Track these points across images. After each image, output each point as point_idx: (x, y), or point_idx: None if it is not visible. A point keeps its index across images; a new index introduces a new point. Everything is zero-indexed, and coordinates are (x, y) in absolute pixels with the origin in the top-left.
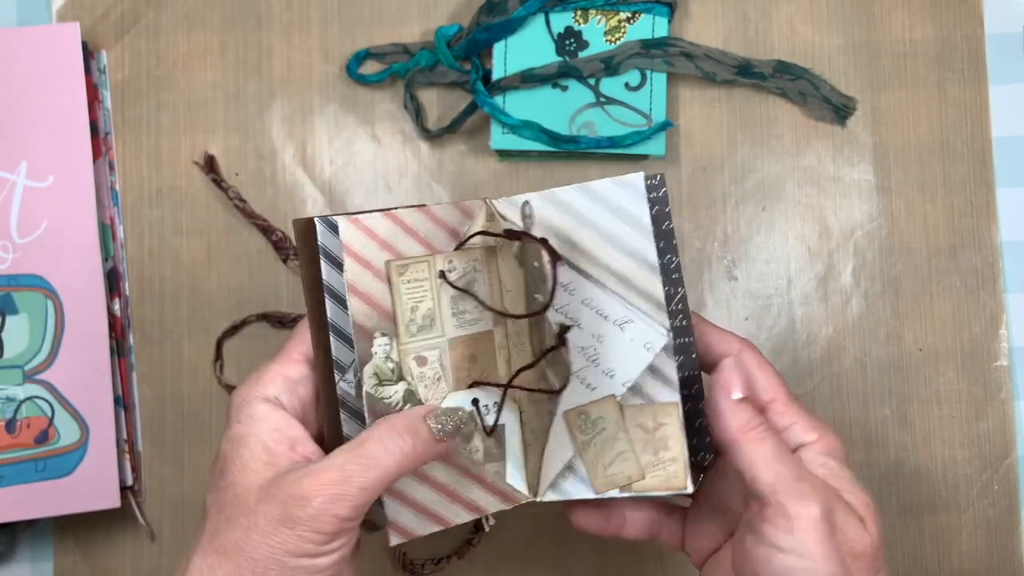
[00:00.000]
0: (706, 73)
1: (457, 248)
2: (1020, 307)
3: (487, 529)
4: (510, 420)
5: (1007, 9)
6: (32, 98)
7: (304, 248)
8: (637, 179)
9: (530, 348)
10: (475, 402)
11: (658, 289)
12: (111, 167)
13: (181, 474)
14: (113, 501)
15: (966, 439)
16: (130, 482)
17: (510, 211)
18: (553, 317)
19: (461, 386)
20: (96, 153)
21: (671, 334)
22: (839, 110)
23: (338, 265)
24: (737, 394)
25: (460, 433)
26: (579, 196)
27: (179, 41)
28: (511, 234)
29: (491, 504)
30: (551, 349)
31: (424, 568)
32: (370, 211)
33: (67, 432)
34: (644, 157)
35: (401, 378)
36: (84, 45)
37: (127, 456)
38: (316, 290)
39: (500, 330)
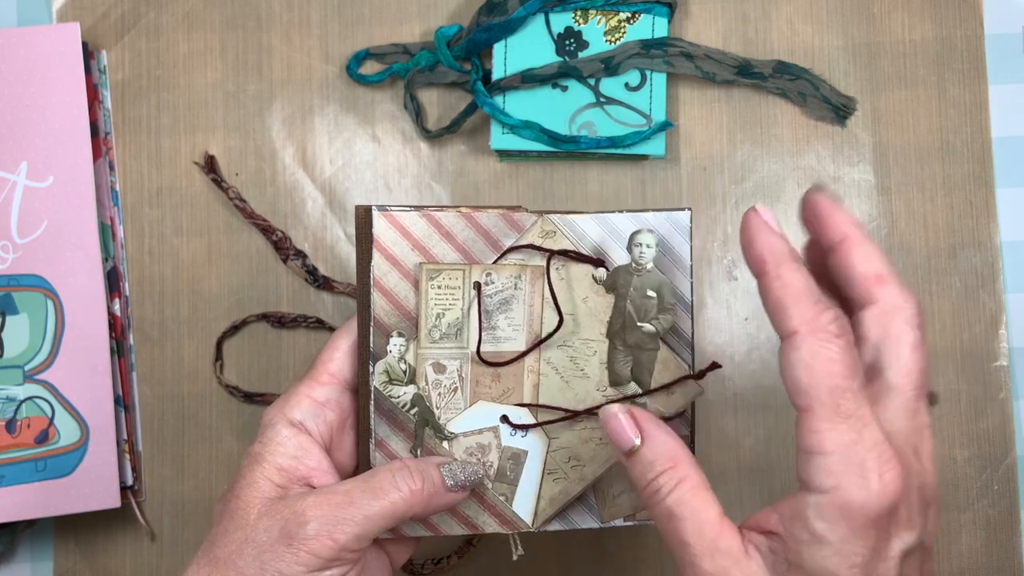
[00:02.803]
0: (706, 73)
1: (497, 260)
2: (1020, 307)
3: (515, 557)
4: (536, 448)
5: (1007, 9)
6: (32, 98)
7: (360, 235)
8: (684, 216)
9: (600, 374)
10: (504, 418)
11: (687, 326)
12: (111, 167)
13: (181, 474)
14: (113, 501)
15: (966, 439)
16: (130, 482)
17: (589, 228)
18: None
19: (479, 400)
20: (96, 153)
21: (690, 369)
22: (839, 110)
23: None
24: (627, 448)
25: (473, 485)
26: (628, 223)
27: (179, 41)
28: (579, 257)
29: (488, 524)
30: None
31: (424, 568)
32: (416, 207)
33: (67, 432)
34: (644, 157)
35: (412, 381)
36: (84, 45)
37: (127, 456)
38: (365, 278)
39: (533, 353)
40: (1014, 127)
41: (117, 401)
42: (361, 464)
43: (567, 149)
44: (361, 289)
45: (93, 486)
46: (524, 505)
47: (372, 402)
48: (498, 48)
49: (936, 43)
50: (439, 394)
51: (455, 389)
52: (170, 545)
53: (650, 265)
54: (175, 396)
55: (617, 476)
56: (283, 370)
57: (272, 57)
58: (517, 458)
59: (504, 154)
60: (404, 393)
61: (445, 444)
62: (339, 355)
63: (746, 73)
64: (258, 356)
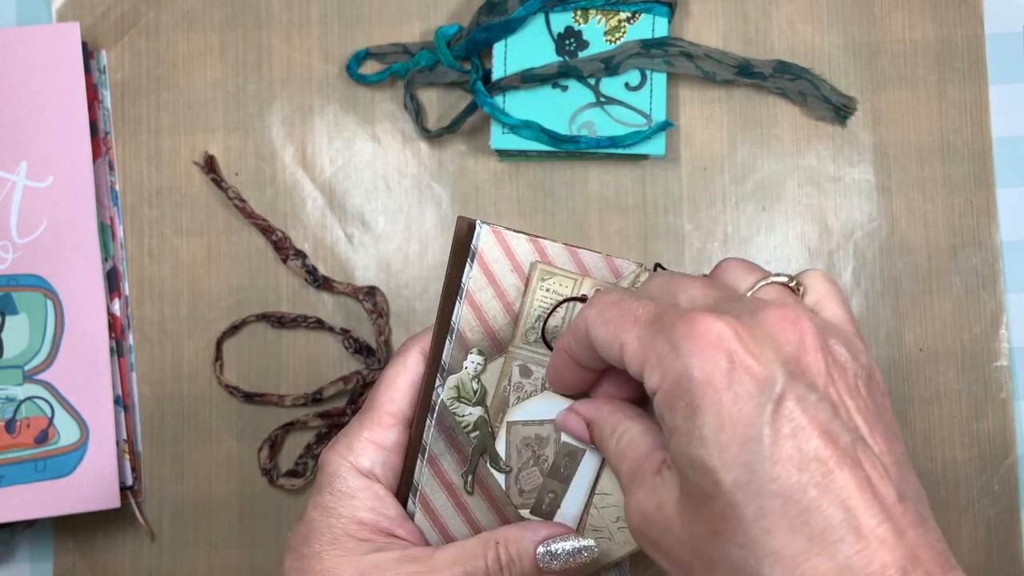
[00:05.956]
0: (706, 73)
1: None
2: (1020, 307)
3: None
4: (590, 463)
5: (1007, 9)
6: (32, 98)
7: (458, 248)
8: None
9: None
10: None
11: None
12: (111, 167)
13: (181, 474)
14: (113, 501)
15: (966, 439)
16: (130, 482)
17: None
18: None
19: (546, 391)
20: (96, 153)
21: None
22: (839, 110)
23: None
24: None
25: (572, 564)
26: None
27: (179, 40)
28: None
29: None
30: None
31: None
32: (522, 231)
33: (67, 432)
34: (644, 157)
35: (481, 403)
36: (84, 45)
37: (127, 456)
38: (452, 289)
39: None
40: (1014, 127)
41: (117, 401)
42: (405, 478)
43: (567, 149)
44: (445, 301)
45: (93, 486)
46: (570, 512)
47: (434, 416)
48: (498, 48)
49: (937, 43)
50: (518, 397)
51: (532, 396)
52: (170, 545)
53: None
54: (175, 396)
55: None
56: (283, 370)
57: (272, 57)
58: (573, 456)
59: (504, 154)
60: (469, 414)
61: (500, 477)
62: (399, 395)
63: (746, 73)
64: (258, 356)
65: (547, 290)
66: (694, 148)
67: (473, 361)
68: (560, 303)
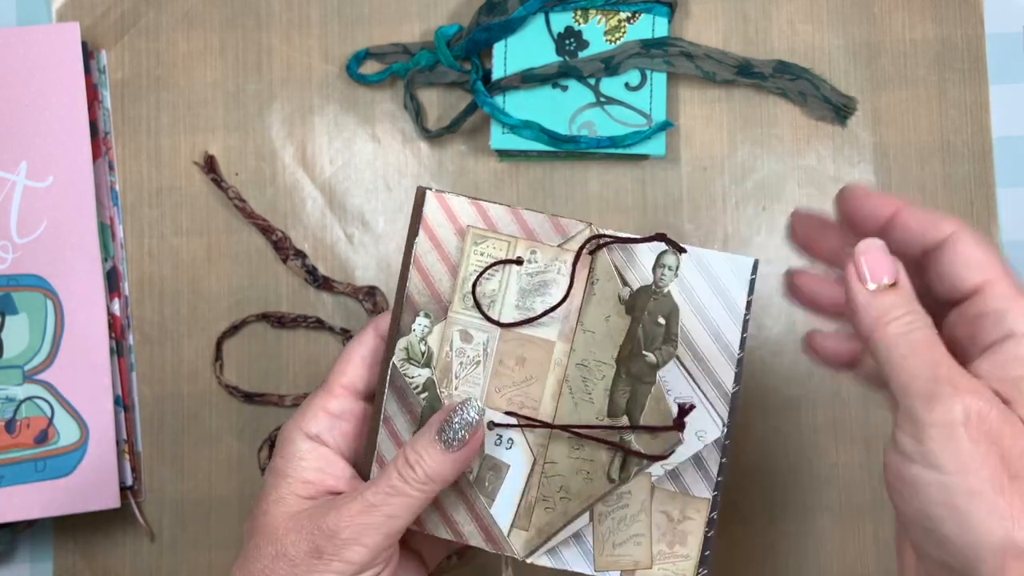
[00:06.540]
0: (706, 73)
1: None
2: None
3: None
4: (520, 465)
5: (1008, 9)
6: (32, 98)
7: (413, 215)
8: (747, 263)
9: (602, 402)
10: (490, 425)
11: (729, 379)
12: (111, 167)
13: (181, 474)
14: (113, 501)
15: None
16: (130, 482)
17: (639, 250)
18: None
19: (499, 383)
20: (96, 153)
21: (725, 429)
22: (839, 110)
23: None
24: (873, 285)
25: (474, 431)
26: (688, 261)
27: (179, 40)
28: (630, 240)
29: (472, 536)
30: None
31: None
32: (469, 196)
33: (67, 432)
34: (644, 157)
35: (428, 365)
36: (84, 45)
37: (127, 456)
38: (407, 256)
39: (563, 346)
40: (1014, 127)
41: (117, 401)
42: (367, 441)
43: (567, 149)
44: (403, 267)
45: (92, 486)
46: (502, 523)
47: (388, 378)
48: (498, 48)
49: (937, 43)
50: (460, 363)
51: (477, 362)
52: (169, 545)
53: (666, 290)
54: (175, 396)
55: (623, 525)
56: (283, 370)
57: (272, 57)
58: (498, 470)
59: (504, 154)
60: (418, 375)
61: None
62: (351, 367)
63: (746, 73)
64: (258, 356)
65: (481, 254)
66: (694, 148)
67: (420, 323)
68: (490, 266)
